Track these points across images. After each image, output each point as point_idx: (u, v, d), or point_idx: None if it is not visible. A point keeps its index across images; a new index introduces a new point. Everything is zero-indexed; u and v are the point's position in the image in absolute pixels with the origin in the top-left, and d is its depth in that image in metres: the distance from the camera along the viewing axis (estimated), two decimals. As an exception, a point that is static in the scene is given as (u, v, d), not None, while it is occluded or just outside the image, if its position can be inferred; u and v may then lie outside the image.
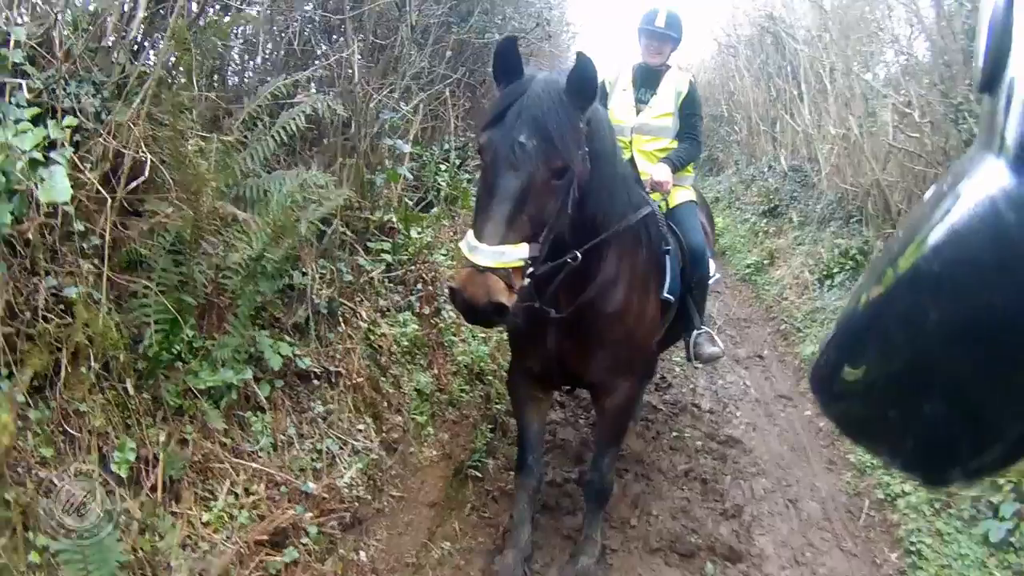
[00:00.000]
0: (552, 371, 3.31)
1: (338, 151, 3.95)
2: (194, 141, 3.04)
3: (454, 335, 4.57)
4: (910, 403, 0.71)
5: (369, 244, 4.33)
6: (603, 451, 3.47)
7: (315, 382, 3.63)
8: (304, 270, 3.73)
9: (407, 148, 4.27)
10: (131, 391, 2.73)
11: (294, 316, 3.67)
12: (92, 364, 2.61)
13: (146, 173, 2.70)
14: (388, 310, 4.31)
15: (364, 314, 4.02)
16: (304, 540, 3.13)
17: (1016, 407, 0.63)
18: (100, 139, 2.71)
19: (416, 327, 4.33)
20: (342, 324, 3.89)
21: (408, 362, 4.23)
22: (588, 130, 2.57)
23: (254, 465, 3.10)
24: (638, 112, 3.87)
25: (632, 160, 3.76)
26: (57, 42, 2.56)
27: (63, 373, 2.50)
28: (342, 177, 4.11)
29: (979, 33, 0.69)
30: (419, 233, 4.57)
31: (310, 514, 3.17)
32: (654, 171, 3.66)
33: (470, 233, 2.35)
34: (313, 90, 3.73)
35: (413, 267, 4.51)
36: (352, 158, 4.03)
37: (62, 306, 2.55)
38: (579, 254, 2.68)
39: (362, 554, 3.34)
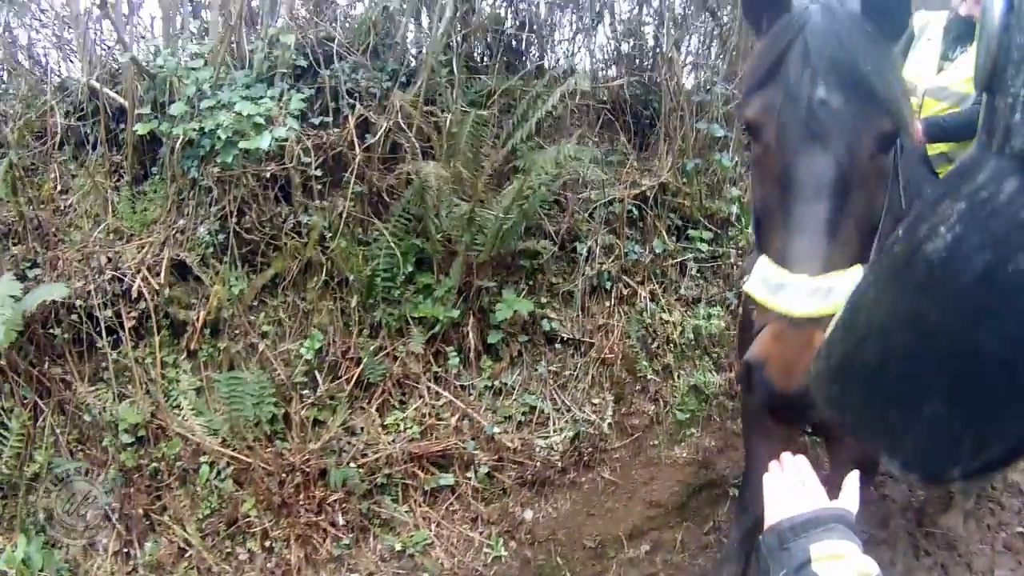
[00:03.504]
0: None
1: (636, 132, 3.94)
2: (451, 116, 3.62)
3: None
4: (910, 399, 0.68)
5: (691, 231, 4.12)
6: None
7: (559, 346, 3.74)
8: (586, 241, 3.88)
9: (720, 132, 3.92)
10: (353, 304, 3.47)
11: (568, 284, 3.87)
12: (324, 277, 3.46)
13: (378, 136, 3.42)
14: (697, 300, 4.02)
15: (644, 294, 3.88)
16: (469, 475, 3.35)
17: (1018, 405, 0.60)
18: (366, 112, 3.55)
19: (720, 324, 3.92)
20: (612, 299, 3.86)
21: (696, 356, 3.87)
22: None
23: (449, 395, 3.47)
24: (939, 70, 2.87)
25: None
26: (335, 44, 3.50)
27: (291, 276, 3.40)
28: (660, 164, 4.08)
29: (980, 34, 0.68)
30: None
31: (484, 454, 3.36)
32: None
33: (764, 262, 1.54)
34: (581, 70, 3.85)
35: (742, 262, 4.06)
36: (659, 141, 3.95)
37: (306, 229, 3.47)
38: None
39: (528, 513, 3.33)
